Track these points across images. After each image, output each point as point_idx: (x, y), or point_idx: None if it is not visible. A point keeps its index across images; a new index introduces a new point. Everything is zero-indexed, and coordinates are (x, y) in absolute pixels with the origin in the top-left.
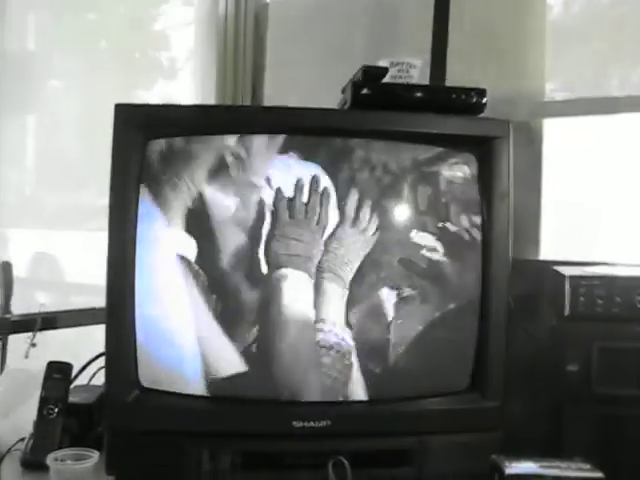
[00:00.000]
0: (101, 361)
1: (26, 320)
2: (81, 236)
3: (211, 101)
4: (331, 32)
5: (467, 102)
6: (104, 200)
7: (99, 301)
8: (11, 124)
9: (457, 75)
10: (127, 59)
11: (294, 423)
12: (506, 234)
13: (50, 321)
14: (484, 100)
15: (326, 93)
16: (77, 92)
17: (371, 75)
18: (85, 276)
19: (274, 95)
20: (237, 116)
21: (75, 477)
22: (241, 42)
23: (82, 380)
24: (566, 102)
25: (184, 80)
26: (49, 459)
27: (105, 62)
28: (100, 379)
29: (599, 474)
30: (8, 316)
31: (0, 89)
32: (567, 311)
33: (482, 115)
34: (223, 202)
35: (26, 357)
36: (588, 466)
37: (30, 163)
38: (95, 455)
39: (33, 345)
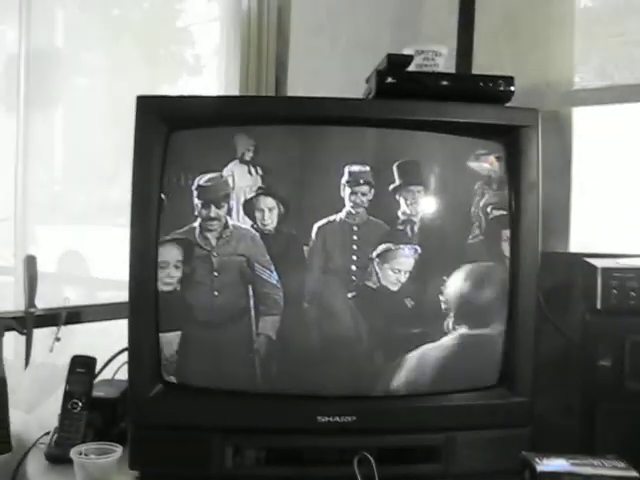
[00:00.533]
0: (125, 356)
1: (51, 314)
2: (109, 232)
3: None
4: (355, 23)
5: (494, 90)
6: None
7: (126, 296)
8: (39, 120)
9: (484, 63)
10: (152, 55)
11: (319, 418)
12: (535, 226)
13: (75, 315)
14: (512, 88)
15: (351, 85)
16: (103, 88)
17: (396, 63)
18: (112, 272)
19: (298, 88)
20: (261, 106)
21: (99, 471)
22: (264, 35)
23: (106, 375)
24: (596, 90)
25: (208, 75)
26: (73, 453)
27: (130, 58)
28: (124, 374)
29: (634, 473)
30: (32, 310)
31: (27, 85)
32: (599, 304)
33: (509, 104)
34: (245, 192)
35: (51, 351)
36: (622, 464)
37: (58, 160)
38: (119, 449)
39: (58, 339)
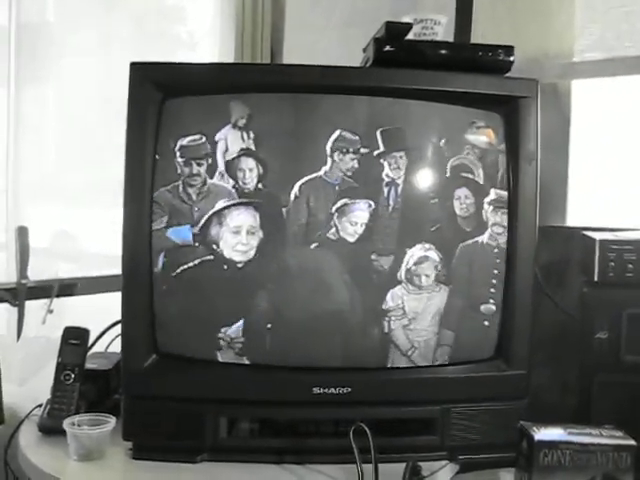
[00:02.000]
0: (118, 328)
1: (43, 286)
2: (101, 211)
3: None
4: None
5: (494, 60)
6: (120, 175)
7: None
8: (30, 97)
9: (482, 33)
10: (144, 32)
11: (314, 390)
12: (533, 199)
13: (67, 287)
14: (511, 58)
15: (347, 58)
16: (95, 65)
17: (394, 31)
18: (104, 250)
19: (293, 60)
20: (257, 74)
21: (92, 442)
22: (259, 8)
23: (99, 348)
24: (596, 62)
25: (202, 52)
26: (66, 424)
27: (123, 35)
28: (117, 347)
29: (632, 441)
30: (24, 282)
31: (18, 61)
32: (597, 277)
33: (509, 75)
34: (229, 153)
35: (43, 323)
36: (620, 433)
37: (49, 137)
38: (112, 421)
39: (50, 311)
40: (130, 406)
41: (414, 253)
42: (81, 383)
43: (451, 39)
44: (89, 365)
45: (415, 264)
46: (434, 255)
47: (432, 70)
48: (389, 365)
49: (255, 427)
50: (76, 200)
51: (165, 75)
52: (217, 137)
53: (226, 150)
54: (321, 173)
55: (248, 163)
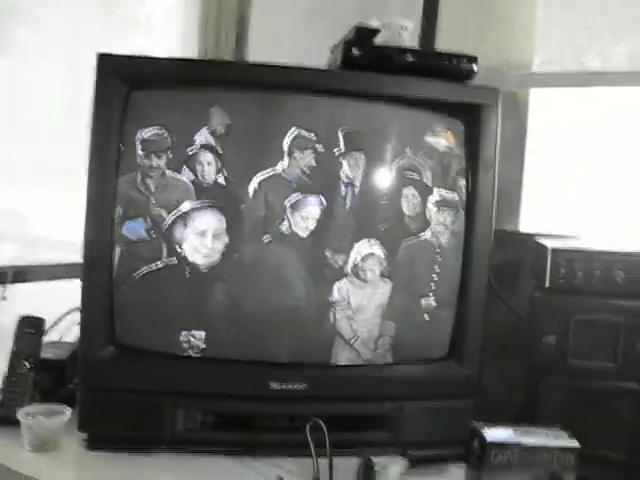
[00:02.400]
0: (73, 317)
1: None
2: (52, 193)
3: (193, 50)
4: None
5: (458, 68)
6: (75, 158)
7: (66, 258)
8: None
9: (446, 40)
10: (105, 11)
11: (271, 384)
12: (490, 204)
13: (21, 274)
14: (475, 67)
15: (312, 47)
16: (53, 43)
17: (363, 35)
18: (53, 233)
19: (258, 47)
20: (223, 71)
21: (46, 433)
22: None
23: (52, 336)
24: (554, 74)
25: (165, 30)
26: (20, 414)
27: (84, 14)
28: (72, 336)
29: (576, 443)
30: None
31: None
32: (547, 282)
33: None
34: (204, 156)
35: None
36: (565, 434)
37: (1, 114)
38: (68, 411)
39: (4, 298)
40: (86, 397)
41: (360, 249)
42: (35, 373)
43: (416, 44)
44: (44, 355)
45: (362, 260)
46: (379, 251)
47: (398, 75)
48: (333, 352)
49: (212, 420)
50: (24, 179)
51: (131, 67)
52: (178, 131)
53: (186, 144)
54: (279, 170)
55: (207, 157)
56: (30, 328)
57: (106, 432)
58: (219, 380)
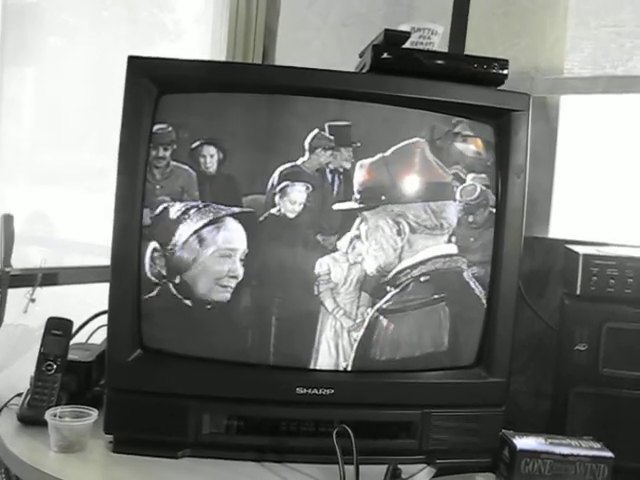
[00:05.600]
0: (99, 320)
1: (26, 275)
2: (78, 195)
3: (221, 58)
4: None
5: (488, 73)
6: (102, 161)
7: (92, 261)
8: (12, 78)
9: (476, 45)
10: (133, 18)
11: (297, 390)
12: (520, 211)
13: (51, 277)
14: (505, 72)
15: (340, 59)
16: (80, 49)
17: (393, 39)
18: (80, 235)
19: (286, 60)
20: (256, 74)
21: (73, 434)
22: (254, 3)
23: (80, 339)
24: (585, 79)
25: (192, 41)
26: (48, 415)
27: (110, 20)
28: (99, 338)
29: (610, 453)
30: (8, 270)
31: (3, 40)
32: (579, 290)
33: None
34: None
35: (25, 312)
36: (598, 445)
37: (28, 119)
38: (94, 413)
39: (32, 300)
40: (113, 399)
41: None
42: (62, 374)
43: (445, 49)
44: (71, 356)
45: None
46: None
47: (427, 79)
48: (372, 368)
49: (238, 424)
50: (51, 182)
51: (162, 70)
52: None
53: (190, 139)
54: (298, 163)
55: (210, 150)
56: (58, 330)
57: (132, 435)
58: (245, 384)
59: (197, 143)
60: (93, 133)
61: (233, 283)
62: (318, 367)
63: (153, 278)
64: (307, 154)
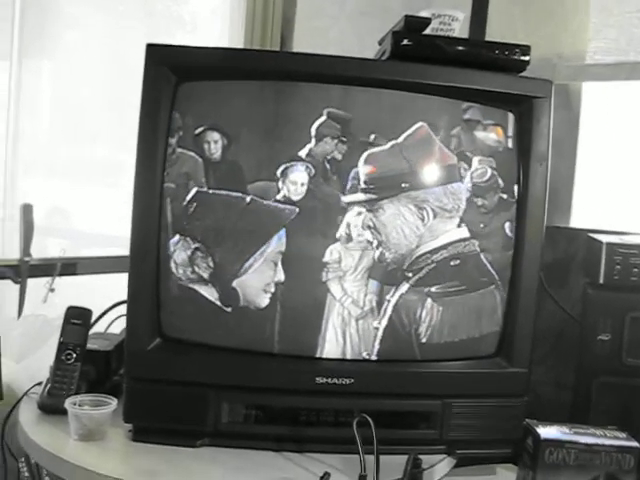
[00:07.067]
0: (118, 309)
1: (46, 264)
2: (95, 189)
3: None
4: None
5: (510, 59)
6: (120, 155)
7: (111, 252)
8: (30, 71)
9: (497, 32)
10: (149, 11)
11: (317, 379)
12: (542, 200)
13: (70, 267)
14: (527, 58)
15: (358, 48)
16: (96, 42)
17: (413, 25)
18: (99, 229)
19: (304, 49)
20: (273, 61)
21: (93, 423)
22: None
23: (99, 328)
24: (608, 65)
25: (209, 33)
26: (67, 403)
27: (126, 13)
28: (117, 328)
29: (635, 443)
30: (27, 259)
31: (21, 34)
32: (602, 279)
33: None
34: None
35: (44, 302)
36: (624, 435)
37: (46, 112)
38: (114, 402)
39: (52, 290)
40: (132, 388)
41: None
42: (82, 363)
43: (465, 36)
44: (90, 346)
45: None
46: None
47: (448, 66)
48: (392, 358)
49: (256, 414)
50: (71, 177)
51: (180, 58)
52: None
53: (195, 125)
54: (305, 149)
55: (214, 136)
56: (77, 319)
57: (151, 423)
58: (264, 373)
59: (201, 129)
60: (110, 127)
61: None
62: (324, 355)
63: (173, 267)
64: (313, 140)
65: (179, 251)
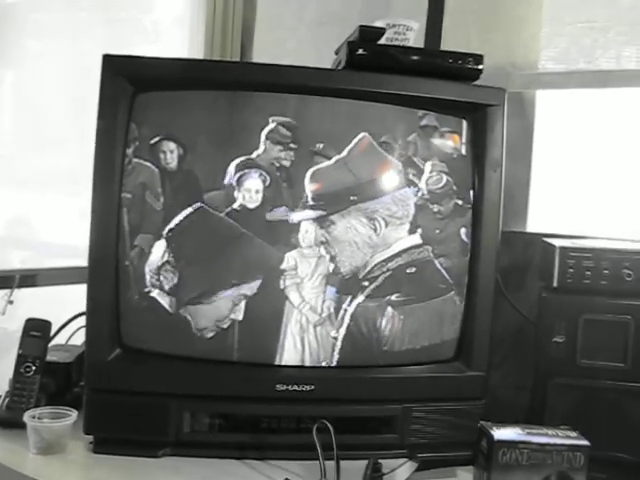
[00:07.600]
0: (79, 321)
1: (4, 276)
2: (57, 199)
3: None
4: None
5: (463, 68)
6: (84, 165)
7: (74, 263)
8: None
9: (451, 41)
10: (111, 19)
11: (277, 387)
12: (497, 205)
13: (29, 279)
14: (480, 67)
15: (316, 59)
16: (58, 51)
17: (368, 35)
18: (61, 239)
19: (263, 59)
20: (230, 72)
21: (53, 435)
22: (231, 2)
23: (59, 340)
24: (560, 74)
25: (170, 41)
26: (26, 417)
27: (88, 22)
28: (78, 339)
29: (586, 442)
30: None
31: None
32: (556, 282)
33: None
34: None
35: (3, 314)
36: (575, 434)
37: (6, 122)
38: (74, 414)
39: (10, 302)
40: (92, 399)
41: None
42: (41, 376)
43: (421, 45)
44: (50, 358)
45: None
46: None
47: (403, 75)
48: (352, 364)
49: (218, 422)
50: (33, 186)
51: (137, 68)
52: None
53: (151, 135)
54: (253, 156)
55: (169, 146)
56: (36, 331)
57: (112, 435)
58: (225, 382)
59: (156, 139)
60: (73, 136)
61: None
62: (284, 363)
63: (132, 277)
64: (262, 147)
65: (152, 255)
